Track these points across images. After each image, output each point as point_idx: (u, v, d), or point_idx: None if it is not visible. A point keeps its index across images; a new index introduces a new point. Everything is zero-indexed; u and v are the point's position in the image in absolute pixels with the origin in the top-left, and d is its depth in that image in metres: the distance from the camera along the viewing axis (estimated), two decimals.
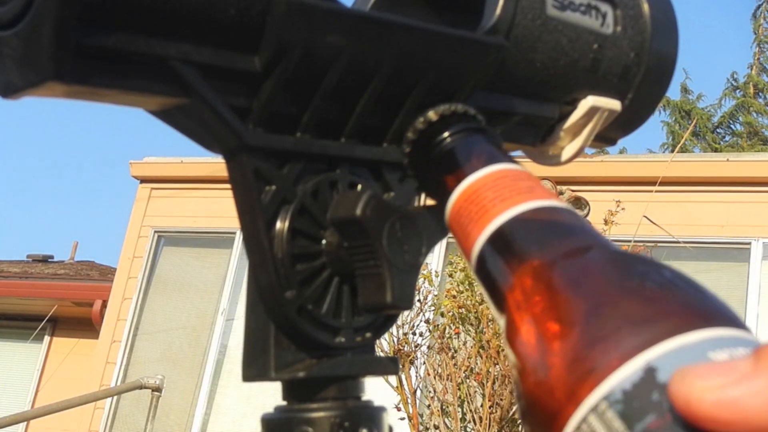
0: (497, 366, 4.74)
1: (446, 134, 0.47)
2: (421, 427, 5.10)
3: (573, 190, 7.16)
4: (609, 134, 0.64)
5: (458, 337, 5.02)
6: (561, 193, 7.09)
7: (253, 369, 0.50)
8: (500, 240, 0.43)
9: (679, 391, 0.33)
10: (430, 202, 0.53)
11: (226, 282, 8.04)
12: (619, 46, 0.60)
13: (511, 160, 0.46)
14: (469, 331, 4.99)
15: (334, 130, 0.51)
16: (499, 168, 0.45)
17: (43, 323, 10.09)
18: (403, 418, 5.11)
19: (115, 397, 8.01)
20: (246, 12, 0.45)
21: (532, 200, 0.43)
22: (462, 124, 0.48)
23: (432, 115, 0.47)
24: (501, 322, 0.42)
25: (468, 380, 4.87)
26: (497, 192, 0.44)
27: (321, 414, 0.50)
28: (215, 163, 7.69)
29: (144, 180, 8.69)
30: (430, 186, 0.48)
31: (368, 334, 0.52)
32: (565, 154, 0.62)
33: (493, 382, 4.73)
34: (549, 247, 0.41)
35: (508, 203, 0.43)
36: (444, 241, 0.64)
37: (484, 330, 4.79)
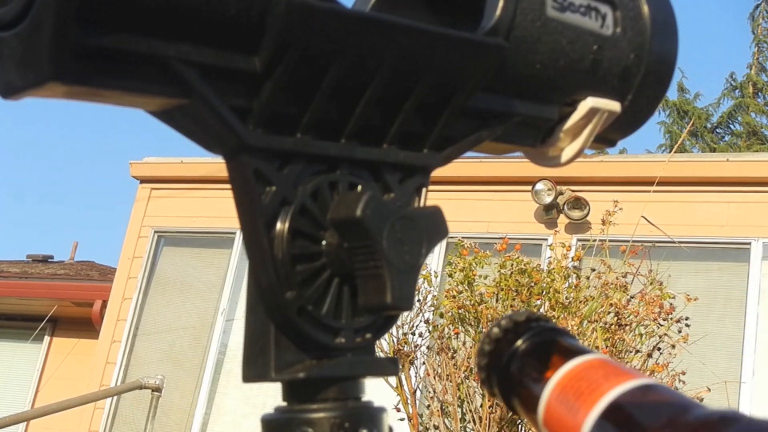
0: None
1: (528, 335, 0.54)
2: (421, 427, 5.10)
3: (573, 190, 7.16)
4: (609, 135, 0.64)
5: (458, 337, 5.03)
6: (561, 193, 7.09)
7: (253, 369, 0.50)
8: (618, 413, 0.47)
9: None
10: (430, 203, 0.53)
11: (226, 282, 8.04)
12: (619, 47, 0.60)
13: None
14: (469, 331, 4.99)
15: (334, 131, 0.51)
16: (594, 356, 0.51)
17: (43, 323, 10.10)
18: (403, 419, 5.11)
19: (115, 397, 8.01)
20: (246, 12, 0.45)
21: (636, 379, 0.48)
22: (536, 324, 0.54)
23: (506, 322, 0.54)
24: None
25: (468, 380, 4.87)
26: (602, 372, 0.49)
27: (321, 415, 0.50)
28: (215, 163, 7.69)
29: (144, 180, 8.69)
30: (513, 387, 0.53)
31: (368, 335, 0.52)
32: (565, 155, 0.62)
33: None
34: (672, 420, 0.45)
35: (614, 382, 0.48)
36: (444, 242, 0.64)
37: (484, 330, 4.79)
